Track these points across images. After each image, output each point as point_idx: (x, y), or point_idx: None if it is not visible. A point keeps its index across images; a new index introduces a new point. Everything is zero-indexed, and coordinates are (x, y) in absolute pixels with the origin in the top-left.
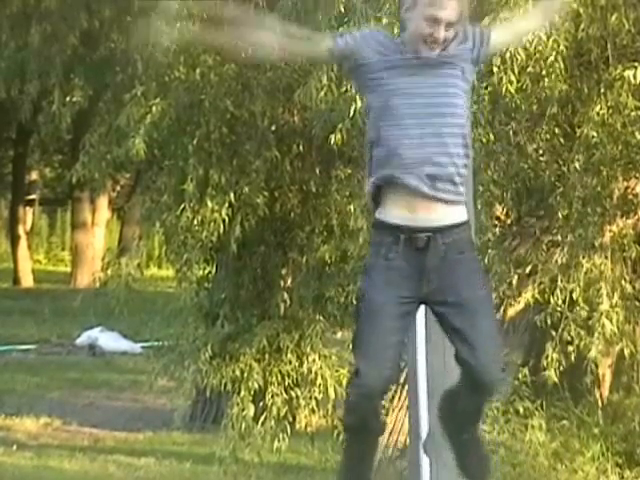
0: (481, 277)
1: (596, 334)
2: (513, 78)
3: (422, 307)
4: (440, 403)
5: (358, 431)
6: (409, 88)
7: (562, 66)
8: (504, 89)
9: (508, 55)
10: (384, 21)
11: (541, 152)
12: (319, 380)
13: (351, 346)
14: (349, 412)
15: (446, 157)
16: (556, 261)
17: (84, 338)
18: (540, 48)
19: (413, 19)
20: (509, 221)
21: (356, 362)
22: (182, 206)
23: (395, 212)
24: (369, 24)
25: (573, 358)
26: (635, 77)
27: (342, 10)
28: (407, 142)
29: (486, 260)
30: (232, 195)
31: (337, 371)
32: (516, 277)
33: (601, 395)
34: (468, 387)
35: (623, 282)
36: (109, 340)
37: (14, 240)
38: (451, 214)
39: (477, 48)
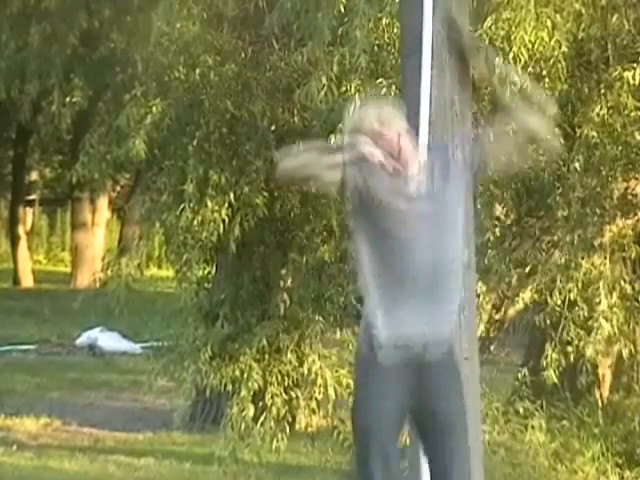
0: (462, 387)
1: (593, 334)
2: None
3: None
4: None
5: None
6: (410, 230)
7: (564, 66)
8: None
9: (511, 56)
10: (384, 21)
11: (541, 152)
12: (319, 380)
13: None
14: None
15: (450, 293)
16: (555, 261)
17: (84, 338)
18: (541, 49)
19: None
20: (509, 221)
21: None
22: (182, 206)
23: (399, 331)
24: (368, 24)
25: (572, 358)
26: (634, 78)
27: (342, 10)
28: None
29: (486, 260)
30: (232, 195)
31: (337, 371)
32: (516, 277)
33: (601, 395)
34: None
35: (622, 282)
36: (109, 340)
37: (14, 240)
38: (446, 326)
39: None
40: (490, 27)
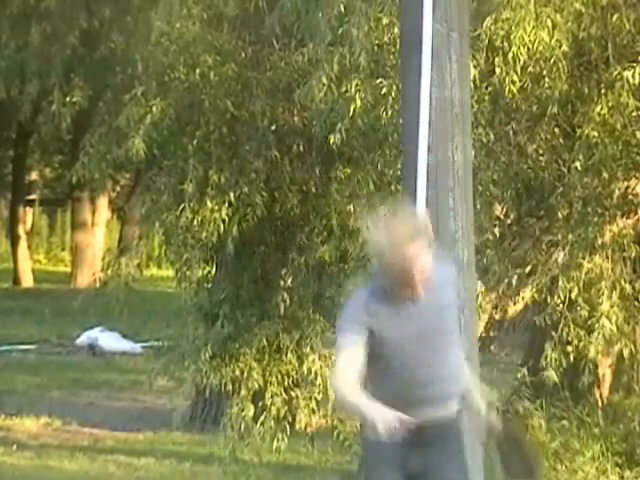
0: (463, 460)
1: (595, 334)
2: (516, 78)
3: None
4: None
5: None
6: (407, 336)
7: (564, 66)
8: (507, 90)
9: (511, 55)
10: (384, 21)
11: (541, 152)
12: (319, 380)
13: None
14: None
15: (448, 395)
16: (556, 261)
17: (84, 338)
18: (541, 48)
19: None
20: (509, 221)
21: None
22: (182, 206)
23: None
24: (368, 24)
25: (572, 358)
26: (634, 77)
27: (342, 10)
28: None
29: (486, 260)
30: (232, 195)
31: None
32: (516, 277)
33: (601, 395)
34: None
35: (623, 282)
36: (109, 340)
37: (14, 240)
38: (447, 410)
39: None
40: (490, 27)
